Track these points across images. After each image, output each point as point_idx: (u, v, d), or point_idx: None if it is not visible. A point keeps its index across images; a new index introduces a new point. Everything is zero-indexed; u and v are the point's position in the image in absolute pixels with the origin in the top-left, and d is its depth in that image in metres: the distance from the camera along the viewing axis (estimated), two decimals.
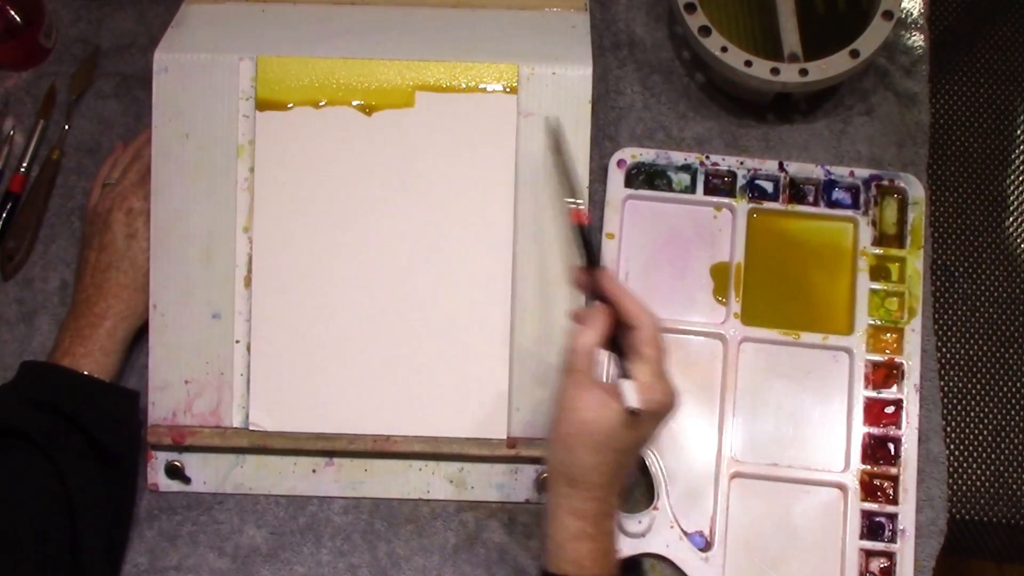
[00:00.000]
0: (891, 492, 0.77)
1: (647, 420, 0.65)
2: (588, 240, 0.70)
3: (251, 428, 0.77)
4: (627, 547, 0.76)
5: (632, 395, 0.63)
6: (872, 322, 0.80)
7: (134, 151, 0.82)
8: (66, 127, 0.87)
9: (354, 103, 0.77)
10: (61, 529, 0.69)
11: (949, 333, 0.94)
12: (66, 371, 0.74)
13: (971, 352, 0.94)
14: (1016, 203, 0.98)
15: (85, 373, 0.74)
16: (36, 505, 0.70)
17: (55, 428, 0.71)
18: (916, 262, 0.82)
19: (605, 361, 0.73)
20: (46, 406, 0.72)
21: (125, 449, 0.75)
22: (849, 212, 0.83)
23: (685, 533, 0.76)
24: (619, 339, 0.67)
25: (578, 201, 0.71)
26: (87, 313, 0.76)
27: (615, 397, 0.64)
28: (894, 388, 0.79)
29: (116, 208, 0.78)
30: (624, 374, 0.65)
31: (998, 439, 0.92)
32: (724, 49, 0.80)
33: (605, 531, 0.66)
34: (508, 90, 0.77)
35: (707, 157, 0.84)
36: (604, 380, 0.65)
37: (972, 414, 0.92)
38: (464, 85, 0.78)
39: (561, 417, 0.65)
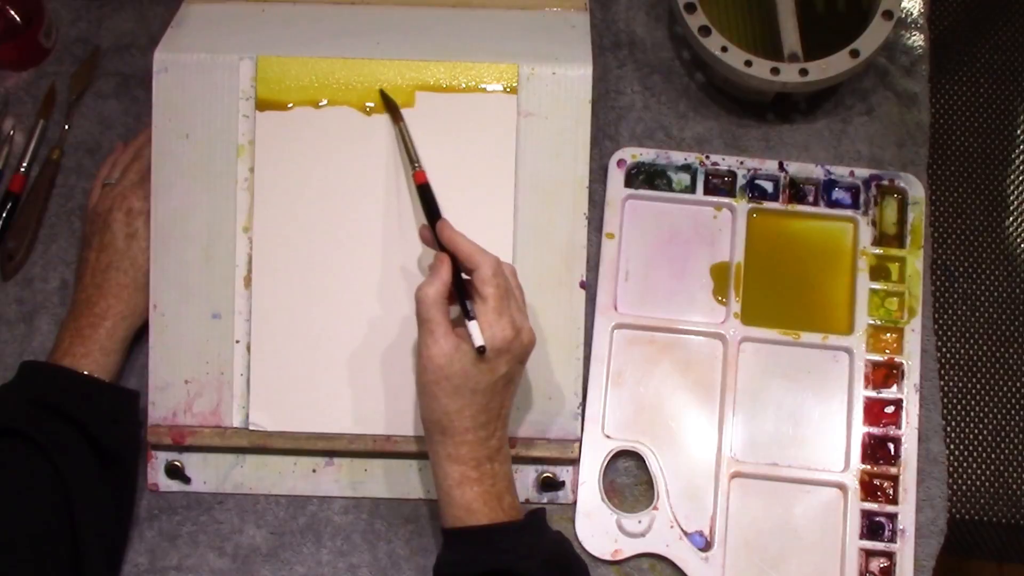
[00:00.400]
0: (891, 492, 0.77)
1: (501, 358, 0.67)
2: (429, 196, 0.73)
3: (251, 428, 0.77)
4: (627, 547, 0.76)
5: (476, 334, 0.66)
6: (872, 322, 0.80)
7: (134, 151, 0.82)
8: (66, 127, 0.87)
9: (354, 103, 0.77)
10: (61, 529, 0.69)
11: (949, 333, 0.94)
12: (66, 371, 0.74)
13: (971, 352, 0.94)
14: (1016, 203, 0.98)
15: (85, 373, 0.74)
16: (36, 505, 0.70)
17: (55, 428, 0.71)
18: (916, 262, 0.82)
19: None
20: (46, 406, 0.72)
21: (125, 449, 0.75)
22: (849, 212, 0.83)
23: (685, 533, 0.77)
24: (465, 286, 0.69)
25: (416, 164, 0.74)
26: (87, 313, 0.76)
27: (466, 340, 0.66)
28: (894, 388, 0.79)
29: (116, 208, 0.78)
30: (469, 317, 0.67)
31: (998, 439, 0.92)
32: (724, 49, 0.80)
33: (488, 473, 0.68)
34: (508, 90, 0.77)
35: (707, 157, 0.84)
36: (450, 326, 0.68)
37: (972, 414, 0.92)
38: (464, 85, 0.78)
39: (420, 367, 0.67)
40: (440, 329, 0.67)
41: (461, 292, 0.68)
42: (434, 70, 0.78)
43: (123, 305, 0.77)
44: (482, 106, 0.77)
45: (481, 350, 0.65)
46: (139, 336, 0.80)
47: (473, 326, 0.66)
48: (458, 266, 0.69)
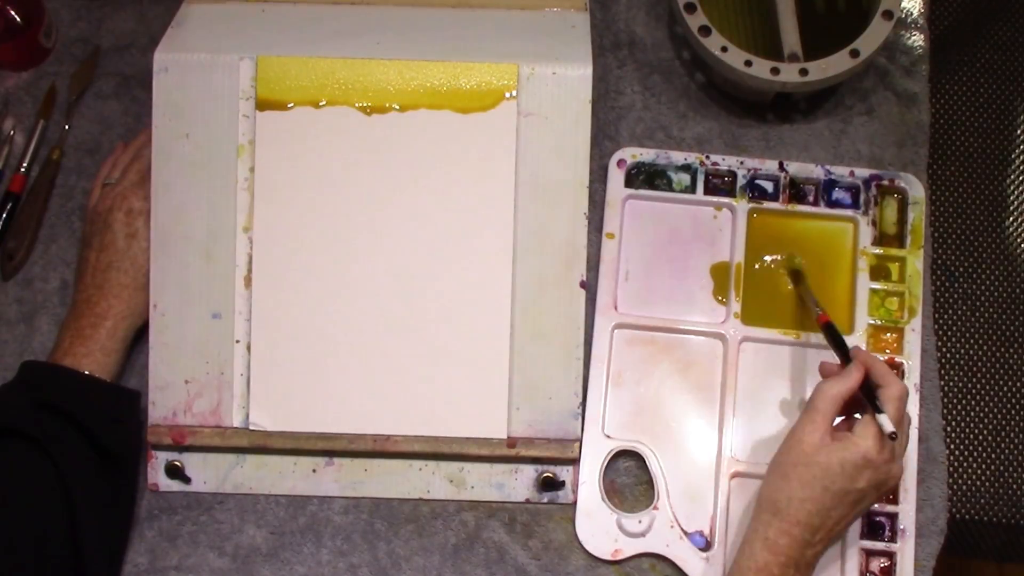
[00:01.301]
0: (891, 492, 0.77)
1: (867, 472, 0.67)
2: (837, 336, 0.74)
3: (251, 428, 0.77)
4: (627, 547, 0.76)
5: (887, 423, 0.67)
6: (872, 322, 0.80)
7: (134, 151, 0.82)
8: (66, 127, 0.87)
9: (354, 103, 0.78)
10: (61, 529, 0.69)
11: (949, 333, 0.94)
12: (67, 371, 0.74)
13: (971, 352, 0.94)
14: (1016, 203, 0.98)
15: (86, 373, 0.74)
16: (37, 505, 0.70)
17: (56, 428, 0.71)
18: (916, 262, 0.82)
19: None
20: (47, 406, 0.72)
21: (126, 449, 0.75)
22: (849, 212, 0.83)
23: (685, 533, 0.76)
24: (872, 394, 0.69)
25: (819, 308, 0.76)
26: (88, 313, 0.76)
27: (842, 442, 0.67)
28: None
29: (116, 208, 0.78)
30: (879, 410, 0.68)
31: (998, 439, 0.92)
32: (724, 49, 0.80)
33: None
34: (508, 90, 0.77)
35: (707, 157, 0.84)
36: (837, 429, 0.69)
37: (972, 414, 0.92)
38: (464, 85, 0.78)
39: (786, 446, 0.69)
40: (825, 422, 0.68)
41: (872, 397, 0.69)
42: (434, 70, 0.78)
43: (123, 305, 0.77)
44: (482, 107, 0.78)
45: (892, 436, 0.66)
46: (139, 336, 0.80)
47: (884, 418, 0.67)
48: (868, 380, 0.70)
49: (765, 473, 0.70)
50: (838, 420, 0.71)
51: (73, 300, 0.78)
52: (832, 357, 0.74)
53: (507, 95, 0.77)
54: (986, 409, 0.93)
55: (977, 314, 0.95)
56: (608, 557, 0.76)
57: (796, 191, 0.83)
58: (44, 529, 0.69)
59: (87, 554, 0.69)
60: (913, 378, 0.79)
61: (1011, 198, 0.98)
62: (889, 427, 0.66)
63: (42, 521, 0.69)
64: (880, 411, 0.67)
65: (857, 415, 0.71)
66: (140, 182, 0.79)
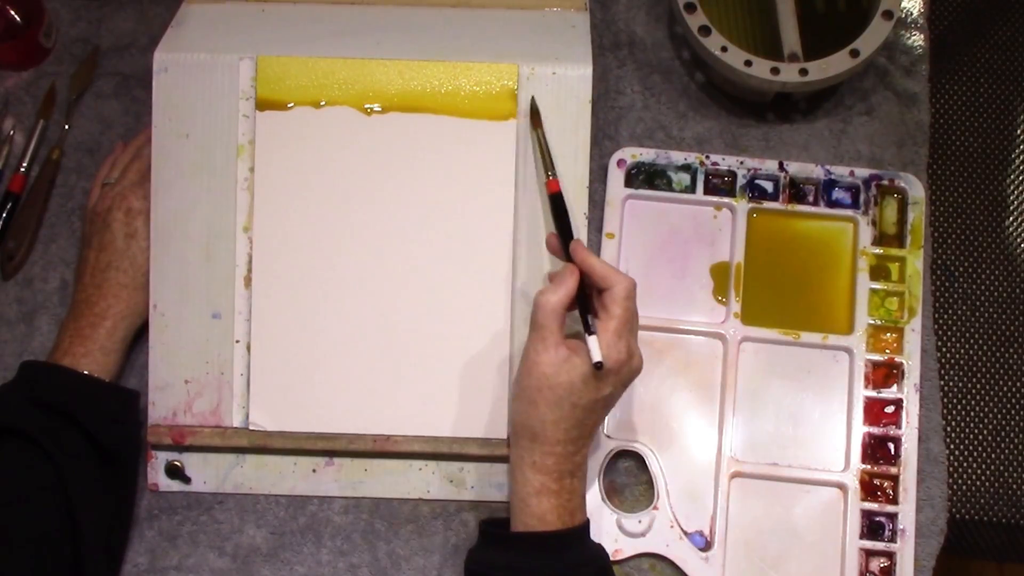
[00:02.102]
0: (891, 492, 0.77)
1: (609, 378, 0.67)
2: (562, 208, 0.73)
3: (251, 428, 0.77)
4: (627, 547, 0.76)
5: (595, 350, 0.65)
6: (872, 322, 0.80)
7: (134, 151, 0.82)
8: (66, 127, 0.87)
9: (354, 103, 0.77)
10: (62, 529, 0.69)
11: (949, 333, 0.94)
12: (66, 371, 0.74)
13: (971, 352, 0.94)
14: (1016, 203, 0.98)
15: (85, 373, 0.74)
16: (37, 505, 0.70)
17: (55, 428, 0.71)
18: (916, 262, 0.82)
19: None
20: (46, 406, 0.72)
21: (125, 449, 0.75)
22: (849, 212, 0.83)
23: (685, 533, 0.77)
24: (588, 302, 0.69)
25: (551, 172, 0.74)
26: (87, 313, 0.76)
27: (578, 354, 0.66)
28: (894, 388, 0.79)
29: (116, 208, 0.78)
30: (590, 331, 0.66)
31: (998, 439, 0.92)
32: (724, 49, 0.80)
33: (567, 488, 0.68)
34: (508, 90, 0.77)
35: (707, 157, 0.84)
36: (567, 338, 0.68)
37: (972, 414, 0.92)
38: (464, 85, 0.78)
39: (524, 371, 0.67)
40: (553, 338, 0.67)
41: (585, 306, 0.68)
42: (434, 70, 0.78)
43: (123, 305, 0.77)
44: (482, 107, 0.78)
45: (598, 366, 0.65)
46: (139, 336, 0.80)
47: (593, 341, 0.66)
48: (584, 281, 0.68)
49: (512, 398, 0.69)
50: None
51: (72, 300, 0.78)
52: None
53: (507, 95, 0.77)
54: (986, 409, 0.92)
55: (977, 314, 0.95)
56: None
57: (796, 191, 0.83)
58: (43, 528, 0.69)
59: (86, 553, 0.69)
60: (913, 378, 0.79)
61: (1011, 198, 0.98)
62: (596, 356, 0.65)
63: (41, 520, 0.69)
64: (591, 332, 0.66)
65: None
66: (140, 182, 0.79)
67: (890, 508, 0.77)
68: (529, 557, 0.67)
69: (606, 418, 0.78)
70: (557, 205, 0.73)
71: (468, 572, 0.71)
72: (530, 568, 0.67)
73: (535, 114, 0.77)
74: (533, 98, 0.77)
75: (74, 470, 0.70)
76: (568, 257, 0.71)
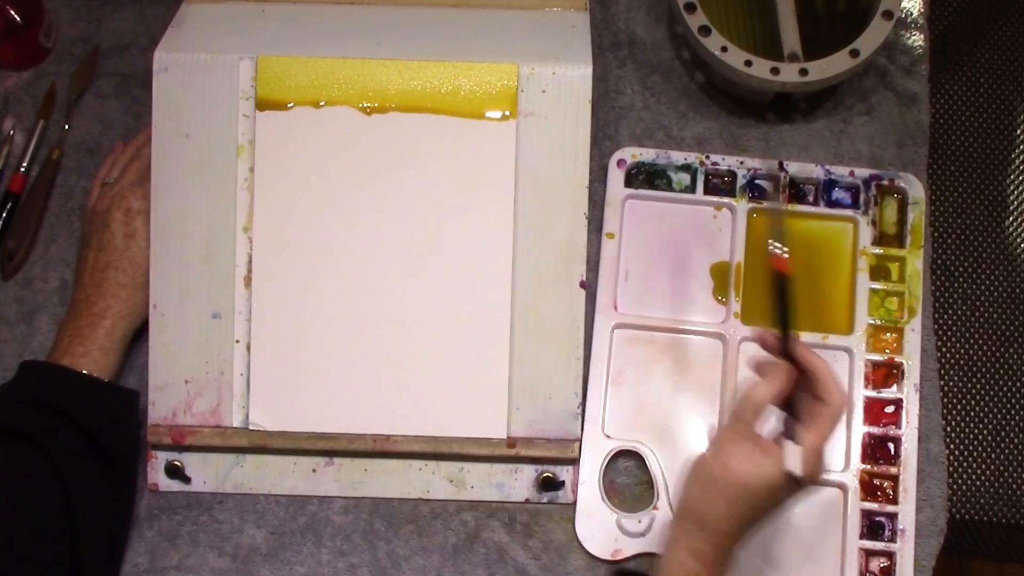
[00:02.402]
0: (891, 492, 0.77)
1: (792, 489, 0.64)
2: (786, 296, 0.66)
3: (251, 428, 0.77)
4: (627, 546, 0.76)
5: (796, 461, 0.62)
6: (872, 322, 0.80)
7: (133, 150, 0.82)
8: (66, 127, 0.87)
9: (354, 103, 0.77)
10: (61, 528, 0.69)
11: (949, 333, 0.94)
12: (64, 370, 0.74)
13: (971, 352, 0.94)
14: (1016, 203, 0.98)
15: (84, 372, 0.74)
16: (36, 504, 0.70)
17: (54, 427, 0.71)
18: (916, 262, 0.82)
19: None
20: (45, 405, 0.72)
21: (124, 448, 0.75)
22: (849, 212, 0.83)
23: None
24: (795, 403, 0.66)
25: (781, 246, 0.67)
26: (86, 312, 0.76)
27: (769, 456, 0.63)
28: (894, 388, 0.79)
29: (115, 208, 0.78)
30: (790, 436, 0.64)
31: (998, 439, 0.92)
32: (724, 49, 0.80)
33: None
34: (508, 90, 0.77)
35: (707, 157, 0.84)
36: (764, 436, 0.65)
37: (972, 414, 0.92)
38: (464, 85, 0.78)
39: (710, 458, 0.65)
40: (748, 432, 0.64)
41: (792, 410, 0.65)
42: (434, 70, 0.78)
43: (122, 305, 0.77)
44: (482, 107, 0.78)
45: (792, 478, 0.63)
46: (139, 336, 0.80)
47: (796, 450, 0.63)
48: (799, 382, 0.65)
49: (686, 476, 0.66)
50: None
51: (72, 300, 0.78)
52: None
53: (507, 96, 0.77)
54: (986, 409, 0.92)
55: (977, 314, 0.95)
56: (608, 557, 0.76)
57: (796, 191, 0.83)
58: (42, 527, 0.69)
59: (86, 552, 0.69)
60: (913, 378, 0.79)
61: (1011, 198, 0.98)
62: (794, 467, 0.62)
63: (40, 519, 0.69)
64: (797, 442, 0.63)
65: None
66: (139, 181, 0.79)
67: (890, 508, 0.77)
68: None
69: (606, 416, 0.79)
70: (783, 291, 0.67)
71: None
72: None
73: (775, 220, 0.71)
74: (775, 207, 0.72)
75: (73, 469, 0.70)
76: (782, 352, 0.66)
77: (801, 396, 0.66)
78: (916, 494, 0.77)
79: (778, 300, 0.66)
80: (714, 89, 0.87)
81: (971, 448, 0.92)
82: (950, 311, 0.95)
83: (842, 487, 0.77)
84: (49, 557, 0.68)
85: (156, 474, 0.79)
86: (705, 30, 0.81)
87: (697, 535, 0.65)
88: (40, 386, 0.73)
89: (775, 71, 0.79)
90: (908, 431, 0.78)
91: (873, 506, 0.77)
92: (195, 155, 0.78)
